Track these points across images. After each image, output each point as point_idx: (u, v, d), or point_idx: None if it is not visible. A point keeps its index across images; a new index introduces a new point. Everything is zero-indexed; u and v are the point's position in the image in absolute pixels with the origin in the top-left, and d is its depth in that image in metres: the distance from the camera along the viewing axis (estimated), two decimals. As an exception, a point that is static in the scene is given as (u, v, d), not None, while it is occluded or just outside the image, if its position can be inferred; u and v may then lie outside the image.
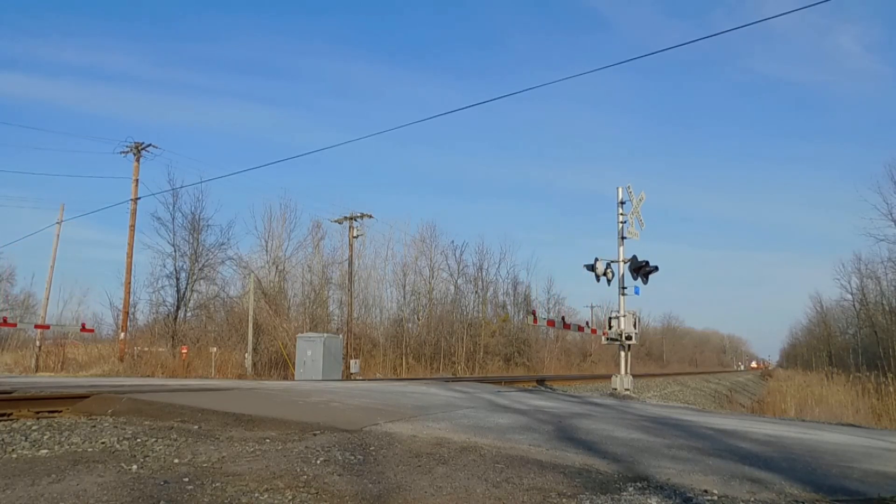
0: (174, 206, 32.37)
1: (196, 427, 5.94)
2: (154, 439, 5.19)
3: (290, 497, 3.51)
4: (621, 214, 15.74)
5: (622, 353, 15.74)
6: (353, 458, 4.56)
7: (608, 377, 20.05)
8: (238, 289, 34.86)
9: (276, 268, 36.93)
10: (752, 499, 3.66)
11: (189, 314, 32.91)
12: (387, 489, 3.72)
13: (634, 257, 15.42)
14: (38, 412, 7.07)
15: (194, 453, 4.64)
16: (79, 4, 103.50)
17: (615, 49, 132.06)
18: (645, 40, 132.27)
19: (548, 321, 23.24)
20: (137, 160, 29.19)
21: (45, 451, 4.76)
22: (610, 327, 15.76)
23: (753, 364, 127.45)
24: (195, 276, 32.61)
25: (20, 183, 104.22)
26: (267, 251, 37.49)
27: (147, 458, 4.45)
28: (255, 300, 29.50)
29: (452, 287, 45.86)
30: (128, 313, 28.76)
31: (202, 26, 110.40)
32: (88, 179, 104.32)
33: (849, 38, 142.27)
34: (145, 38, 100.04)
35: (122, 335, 28.21)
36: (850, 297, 57.95)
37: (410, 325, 41.41)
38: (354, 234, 32.16)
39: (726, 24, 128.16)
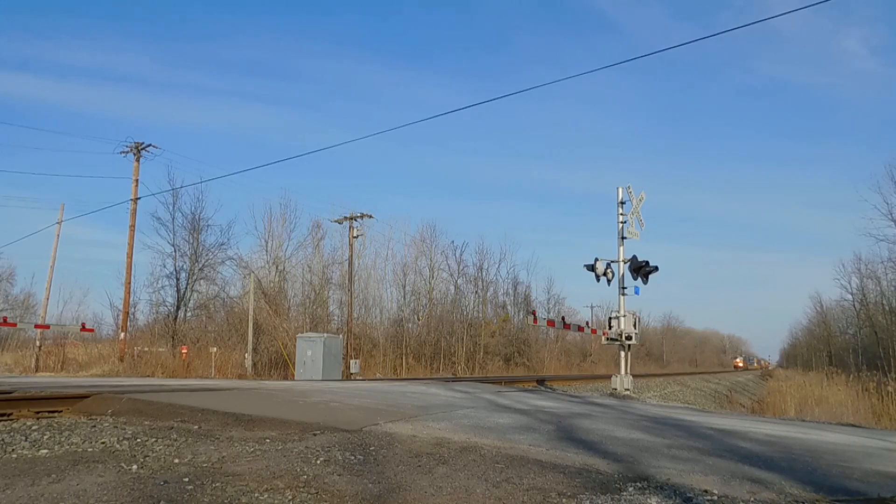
0: (174, 206, 32.43)
1: (196, 427, 5.94)
2: (154, 439, 5.19)
3: (290, 497, 3.51)
4: (621, 214, 15.74)
5: (622, 353, 15.74)
6: (353, 458, 4.55)
7: (608, 377, 20.05)
8: (238, 289, 34.91)
9: (276, 268, 36.95)
10: (753, 499, 3.66)
11: (189, 314, 32.94)
12: (387, 489, 3.72)
13: (634, 257, 15.41)
14: (38, 412, 7.06)
15: (194, 453, 4.64)
16: (81, 5, 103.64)
17: (621, 51, 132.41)
18: (651, 42, 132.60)
19: (548, 321, 23.28)
20: (137, 160, 29.18)
21: (45, 451, 4.76)
22: (610, 327, 15.76)
23: (739, 362, 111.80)
24: (195, 276, 32.62)
25: (20, 183, 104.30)
26: (267, 251, 37.54)
27: (147, 458, 4.45)
28: (255, 300, 29.50)
29: (452, 287, 45.91)
30: (128, 313, 28.75)
31: (204, 27, 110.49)
32: (88, 179, 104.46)
33: (854, 40, 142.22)
34: (146, 39, 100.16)
35: (122, 335, 28.20)
36: (850, 297, 57.99)
37: (410, 325, 41.39)
38: (354, 235, 32.17)
39: (733, 26, 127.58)
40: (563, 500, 3.54)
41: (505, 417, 7.32)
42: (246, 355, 27.84)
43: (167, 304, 32.14)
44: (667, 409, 11.16)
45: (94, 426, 5.87)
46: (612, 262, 15.59)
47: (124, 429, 5.72)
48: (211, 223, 33.61)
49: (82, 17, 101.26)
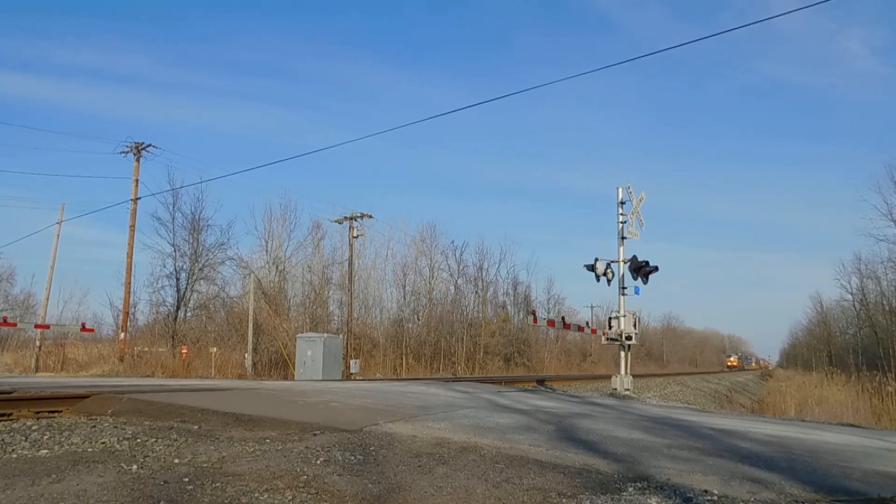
0: (174, 206, 32.41)
1: (196, 427, 5.94)
2: (154, 439, 5.19)
3: (290, 497, 3.51)
4: (621, 214, 15.74)
5: (622, 354, 15.73)
6: (353, 458, 4.55)
7: (608, 377, 20.04)
8: (238, 289, 34.91)
9: (276, 268, 36.95)
10: (753, 499, 3.66)
11: (189, 314, 32.93)
12: (387, 489, 3.72)
13: (634, 257, 15.41)
14: (38, 412, 7.06)
15: (194, 453, 4.63)
16: (83, 5, 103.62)
17: (621, 51, 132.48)
18: (652, 42, 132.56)
19: (548, 321, 23.27)
20: (137, 160, 29.19)
21: (45, 451, 4.76)
22: (610, 327, 15.75)
23: (733, 361, 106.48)
24: (195, 276, 32.60)
25: (20, 183, 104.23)
26: (267, 251, 37.56)
27: (147, 458, 4.45)
28: (255, 300, 29.49)
29: (452, 287, 45.91)
30: (128, 313, 28.75)
31: (205, 27, 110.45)
32: (88, 179, 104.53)
33: (855, 40, 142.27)
34: (147, 39, 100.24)
35: (122, 335, 28.20)
36: (850, 297, 58.01)
37: (410, 325, 41.39)
38: (354, 234, 32.18)
39: (734, 26, 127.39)
40: (563, 500, 3.54)
41: (505, 417, 7.32)
42: (246, 355, 27.84)
43: (167, 304, 32.16)
44: (667, 409, 11.16)
45: (94, 426, 5.86)
46: (612, 262, 15.59)
47: (124, 429, 5.72)
48: (211, 223, 33.62)
49: (83, 18, 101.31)
